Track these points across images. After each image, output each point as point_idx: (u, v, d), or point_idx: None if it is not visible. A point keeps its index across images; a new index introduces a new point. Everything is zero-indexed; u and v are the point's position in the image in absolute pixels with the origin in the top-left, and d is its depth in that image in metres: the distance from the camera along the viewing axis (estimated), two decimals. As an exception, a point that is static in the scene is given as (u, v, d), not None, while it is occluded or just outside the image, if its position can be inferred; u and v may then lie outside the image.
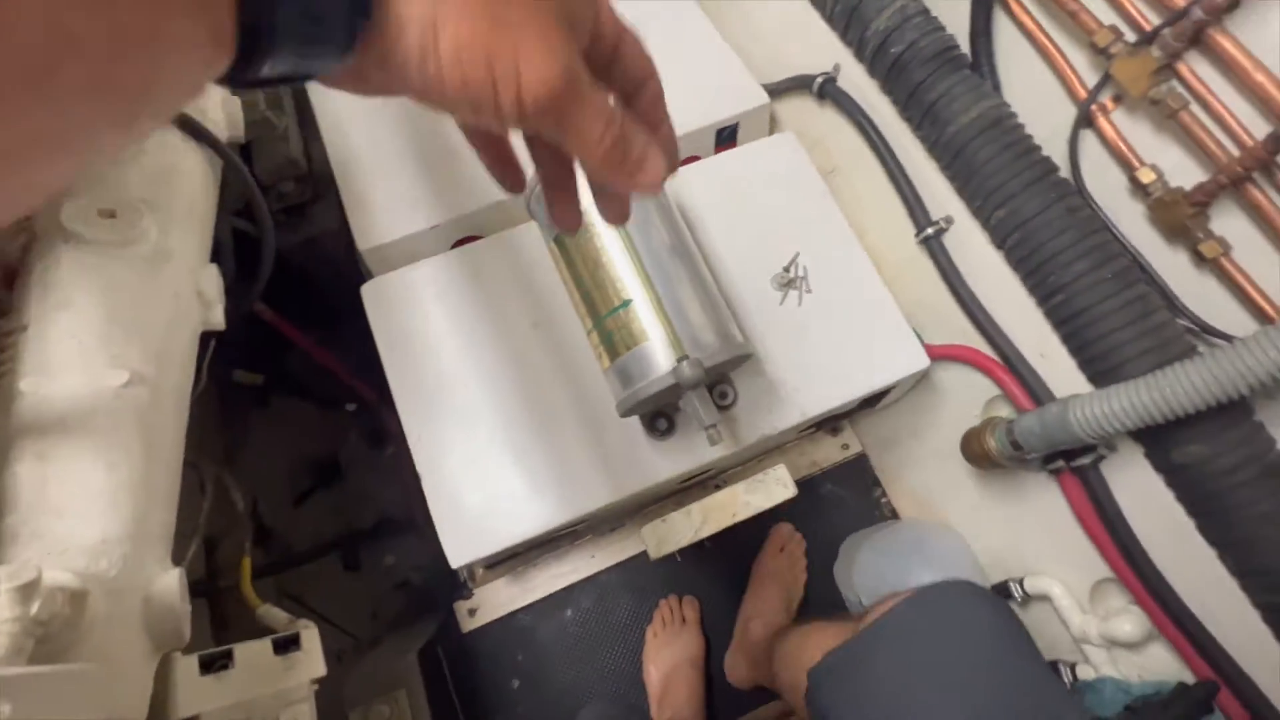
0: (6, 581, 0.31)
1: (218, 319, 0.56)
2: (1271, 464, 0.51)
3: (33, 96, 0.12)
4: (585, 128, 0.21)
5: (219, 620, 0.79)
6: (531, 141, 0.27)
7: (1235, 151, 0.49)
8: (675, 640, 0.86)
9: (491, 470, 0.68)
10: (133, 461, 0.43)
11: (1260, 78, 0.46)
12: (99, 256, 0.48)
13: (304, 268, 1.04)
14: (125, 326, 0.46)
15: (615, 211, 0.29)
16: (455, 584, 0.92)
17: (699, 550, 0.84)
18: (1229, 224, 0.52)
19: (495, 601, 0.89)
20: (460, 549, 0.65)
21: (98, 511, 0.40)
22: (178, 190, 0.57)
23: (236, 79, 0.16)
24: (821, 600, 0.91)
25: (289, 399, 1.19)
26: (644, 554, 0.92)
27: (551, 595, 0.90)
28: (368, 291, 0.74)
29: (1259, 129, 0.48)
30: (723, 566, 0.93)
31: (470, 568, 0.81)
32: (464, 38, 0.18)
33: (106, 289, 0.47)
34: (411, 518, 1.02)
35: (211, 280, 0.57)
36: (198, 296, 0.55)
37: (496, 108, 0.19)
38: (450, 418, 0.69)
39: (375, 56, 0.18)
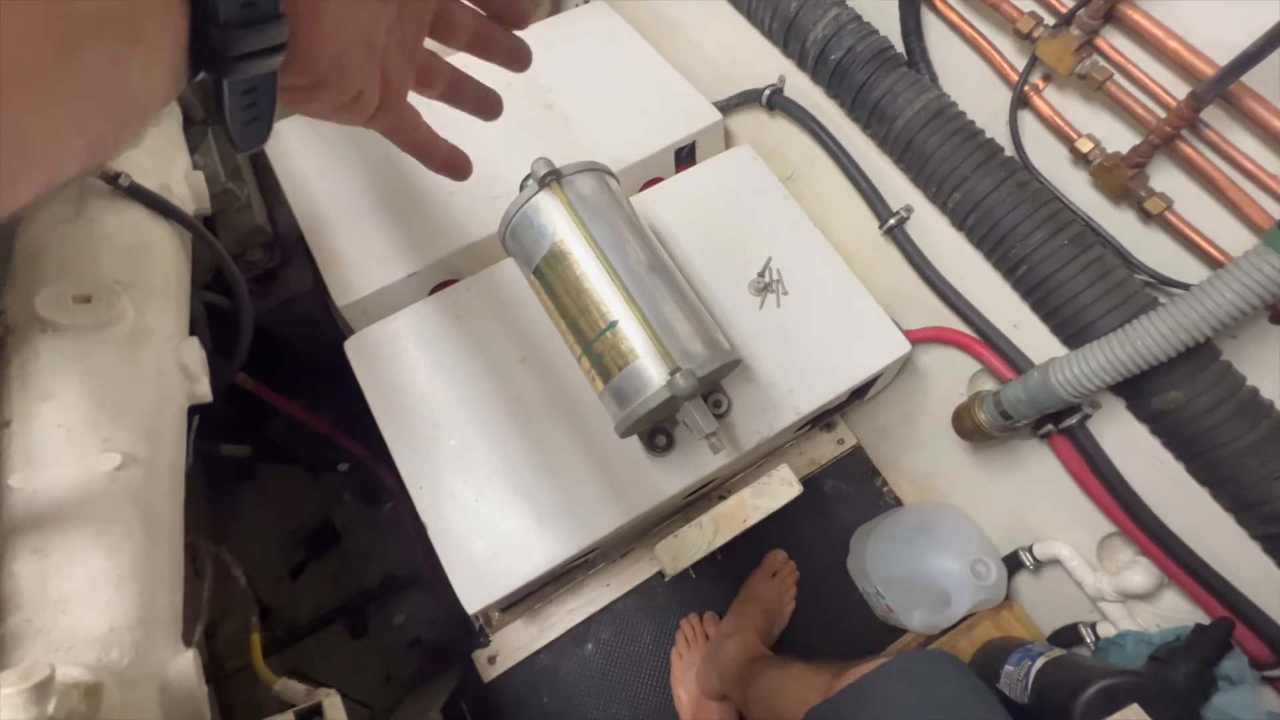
0: (19, 683, 0.30)
1: (204, 392, 0.55)
2: (1245, 400, 0.53)
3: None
4: None
5: (225, 707, 0.75)
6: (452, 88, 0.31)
7: (1161, 114, 0.52)
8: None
9: (497, 510, 0.67)
10: (134, 544, 0.42)
11: (1173, 44, 0.50)
12: (78, 342, 0.47)
13: (279, 332, 1.03)
14: (112, 409, 0.46)
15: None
16: (470, 633, 0.89)
17: (712, 564, 0.84)
18: (1167, 180, 0.56)
19: (514, 645, 0.87)
20: (475, 594, 0.64)
21: (103, 600, 0.39)
22: (151, 268, 0.56)
23: (204, 54, 0.18)
24: (811, 627, 0.91)
25: (274, 467, 1.16)
26: (658, 576, 0.91)
27: (570, 631, 0.88)
28: (351, 347, 0.74)
29: (1179, 90, 0.51)
30: (738, 577, 0.92)
31: (486, 613, 0.79)
32: None
33: (89, 374, 0.46)
34: (417, 572, 1.00)
35: (193, 353, 0.56)
36: (181, 371, 0.54)
37: None
38: (450, 463, 0.69)
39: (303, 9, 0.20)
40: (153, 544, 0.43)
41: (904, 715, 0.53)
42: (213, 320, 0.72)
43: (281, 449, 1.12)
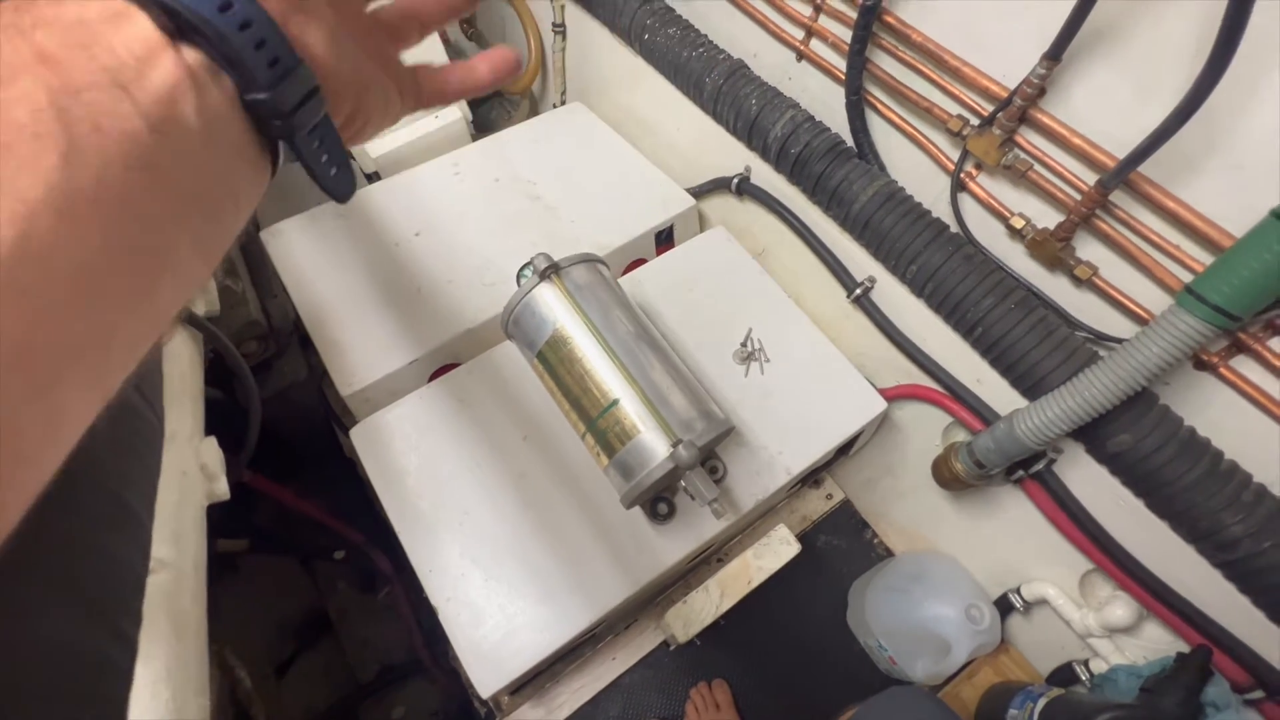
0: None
1: (222, 490, 0.57)
2: (1185, 439, 0.60)
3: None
4: None
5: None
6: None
7: (1077, 196, 0.61)
8: (712, 729, 0.84)
9: (507, 589, 0.68)
10: (166, 649, 0.42)
11: (1078, 141, 0.59)
12: (107, 450, 0.49)
13: (273, 422, 1.04)
14: (142, 514, 0.47)
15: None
16: (475, 722, 0.87)
17: (716, 630, 0.85)
18: (1092, 250, 0.64)
19: (522, 731, 0.85)
20: (489, 677, 0.64)
21: (138, 709, 0.39)
22: (170, 371, 0.59)
23: (270, 129, 0.21)
24: (817, 685, 0.91)
25: (260, 559, 1.14)
26: (663, 646, 0.91)
27: (578, 711, 0.86)
28: (358, 434, 0.76)
29: (1089, 177, 0.60)
30: (742, 641, 0.93)
31: (496, 698, 0.78)
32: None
33: (119, 481, 0.48)
34: (416, 658, 0.97)
35: (211, 452, 0.58)
36: (201, 470, 0.56)
37: None
38: (458, 545, 0.70)
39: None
40: (182, 648, 0.44)
41: None
42: (209, 412, 0.74)
43: (271, 539, 1.10)
